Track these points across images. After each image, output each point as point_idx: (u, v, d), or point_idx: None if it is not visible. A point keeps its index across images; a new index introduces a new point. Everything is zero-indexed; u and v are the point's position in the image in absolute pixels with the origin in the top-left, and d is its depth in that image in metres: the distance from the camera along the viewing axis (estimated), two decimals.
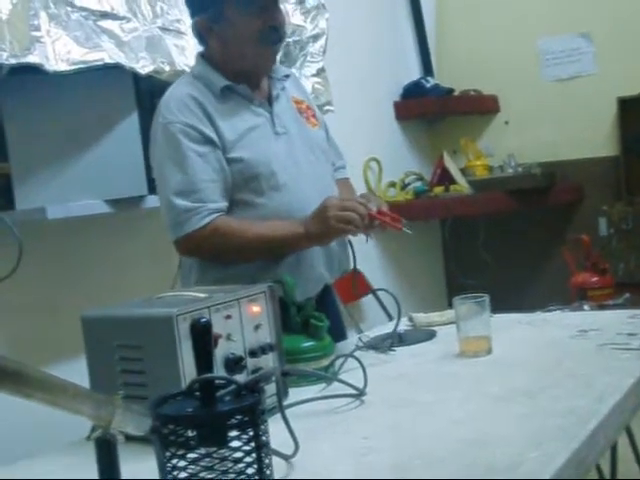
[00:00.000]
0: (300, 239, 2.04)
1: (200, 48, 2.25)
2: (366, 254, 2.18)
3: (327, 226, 1.97)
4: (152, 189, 2.67)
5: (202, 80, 2.12)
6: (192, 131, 2.03)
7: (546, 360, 1.73)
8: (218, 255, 2.08)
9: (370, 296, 2.75)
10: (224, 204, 2.05)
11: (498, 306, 2.10)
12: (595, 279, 3.10)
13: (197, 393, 1.07)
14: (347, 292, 2.44)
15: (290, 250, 2.08)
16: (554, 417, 1.33)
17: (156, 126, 2.09)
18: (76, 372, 1.46)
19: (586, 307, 2.65)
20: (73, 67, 2.42)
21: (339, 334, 2.26)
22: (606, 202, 4.47)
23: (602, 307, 2.67)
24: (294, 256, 2.10)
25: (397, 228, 2.01)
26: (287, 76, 2.27)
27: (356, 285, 2.24)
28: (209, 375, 1.06)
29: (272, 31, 2.09)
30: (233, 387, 1.08)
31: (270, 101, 2.18)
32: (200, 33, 2.15)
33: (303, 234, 2.02)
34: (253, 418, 1.04)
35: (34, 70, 2.32)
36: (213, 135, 2.04)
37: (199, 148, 2.03)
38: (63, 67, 2.39)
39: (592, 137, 4.60)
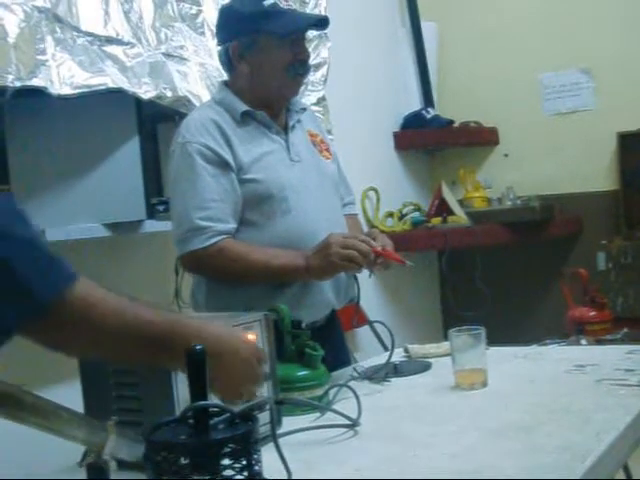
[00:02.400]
0: (300, 272, 2.06)
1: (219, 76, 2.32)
2: (363, 283, 2.19)
3: (328, 262, 2.00)
4: (151, 214, 2.69)
5: (223, 105, 2.19)
6: (208, 152, 2.08)
7: (542, 395, 1.72)
8: (219, 275, 2.13)
9: (365, 326, 2.74)
10: (232, 225, 2.09)
11: (494, 339, 2.09)
12: (593, 313, 3.10)
13: (191, 421, 1.07)
14: (344, 322, 2.44)
15: (289, 280, 2.11)
16: (549, 453, 1.32)
17: (174, 146, 2.15)
18: (71, 396, 1.46)
19: (583, 342, 2.65)
20: (77, 91, 2.43)
21: (344, 360, 2.29)
22: (605, 236, 4.47)
23: (600, 342, 2.66)
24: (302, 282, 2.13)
25: (400, 262, 2.02)
26: (304, 109, 2.33)
27: (357, 316, 2.25)
28: (203, 403, 1.06)
29: (300, 64, 2.18)
30: (227, 415, 1.07)
31: (286, 130, 2.24)
32: (230, 59, 2.20)
33: (304, 267, 2.05)
34: (246, 447, 1.04)
35: (38, 93, 2.34)
36: (229, 157, 2.10)
37: (213, 169, 2.08)
38: (67, 91, 2.40)
39: (591, 171, 4.62)
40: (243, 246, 2.09)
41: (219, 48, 2.26)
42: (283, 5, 2.16)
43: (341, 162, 2.45)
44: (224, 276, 2.12)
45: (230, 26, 2.20)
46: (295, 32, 2.16)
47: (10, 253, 1.05)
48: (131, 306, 1.22)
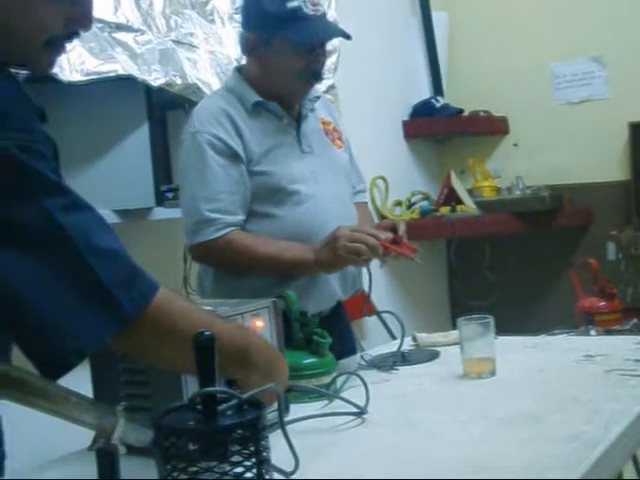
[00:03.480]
0: (308, 265, 2.07)
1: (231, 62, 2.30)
2: (371, 272, 2.19)
3: (335, 256, 2.00)
4: (160, 201, 2.69)
5: (235, 94, 2.17)
6: (218, 142, 2.08)
7: (551, 384, 1.72)
8: (228, 267, 2.14)
9: (374, 316, 2.74)
10: (241, 217, 2.10)
11: (502, 328, 2.08)
12: (602, 304, 3.09)
13: (199, 406, 1.07)
14: (351, 311, 2.44)
15: (297, 273, 2.12)
16: (558, 443, 1.31)
17: (185, 135, 2.14)
18: (80, 382, 1.46)
19: (592, 332, 2.63)
20: (87, 78, 2.43)
21: (351, 348, 2.29)
22: (615, 226, 4.46)
23: (609, 332, 2.65)
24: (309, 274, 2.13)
25: (409, 257, 2.01)
26: (317, 97, 2.31)
27: (366, 305, 2.25)
28: (211, 389, 1.06)
29: (312, 73, 2.15)
30: (235, 401, 1.07)
31: (299, 120, 2.22)
32: (247, 47, 2.19)
33: (312, 260, 2.05)
34: (254, 433, 1.04)
35: (48, 80, 2.33)
36: (239, 149, 2.09)
37: (222, 160, 2.08)
38: (77, 77, 2.40)
39: (602, 161, 4.59)
40: (251, 238, 2.09)
41: (241, 31, 2.24)
42: (308, 10, 2.09)
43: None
44: (232, 267, 2.13)
45: (250, 17, 2.18)
46: (310, 44, 2.12)
47: (98, 265, 1.06)
48: (212, 318, 1.26)
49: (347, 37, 2.18)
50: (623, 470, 2.26)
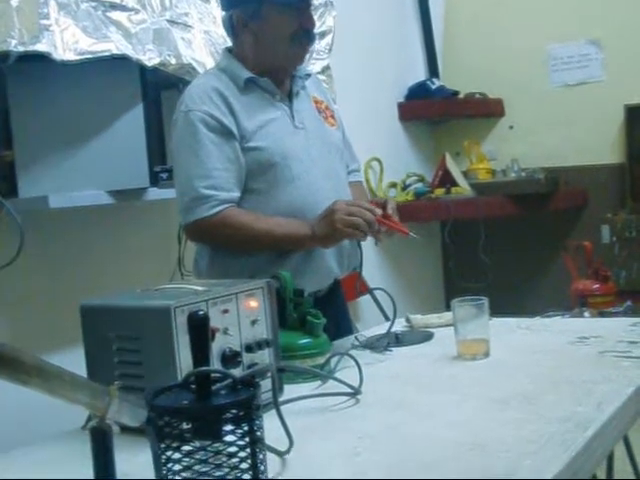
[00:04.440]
0: (305, 239, 2.06)
1: (226, 43, 2.27)
2: (365, 254, 2.18)
3: (333, 229, 1.99)
4: (154, 181, 2.68)
5: (227, 73, 2.17)
6: (211, 120, 2.07)
7: (545, 366, 1.72)
8: (224, 244, 2.13)
9: (367, 296, 2.75)
10: (236, 194, 2.09)
11: (497, 310, 2.09)
12: (596, 286, 3.10)
13: (193, 386, 1.07)
14: (346, 291, 2.44)
15: (294, 248, 2.11)
16: (551, 423, 1.32)
17: (177, 114, 2.13)
18: (75, 361, 1.46)
19: (586, 314, 2.64)
20: (80, 57, 2.42)
21: (347, 329, 2.30)
22: (610, 209, 4.47)
23: (603, 314, 2.66)
24: (306, 249, 2.13)
25: (404, 232, 2.01)
26: (308, 75, 2.30)
27: (359, 284, 2.25)
28: (205, 368, 1.06)
29: (305, 33, 2.15)
30: (229, 381, 1.07)
31: (290, 97, 2.22)
32: (233, 27, 2.17)
33: (308, 234, 2.05)
34: (248, 413, 1.04)
35: (42, 58, 2.32)
36: (232, 126, 2.08)
37: (216, 137, 2.07)
38: (71, 56, 2.39)
39: (598, 144, 4.60)
40: (247, 215, 2.08)
41: (223, 14, 2.23)
42: None
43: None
44: (228, 245, 2.12)
45: None
46: (299, 2, 2.13)
47: None
48: None
49: None
50: (614, 449, 2.27)
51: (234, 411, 1.04)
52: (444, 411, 1.45)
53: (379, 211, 1.99)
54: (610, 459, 2.60)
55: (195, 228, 2.09)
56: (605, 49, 4.59)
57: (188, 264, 2.67)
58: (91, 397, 1.10)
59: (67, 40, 2.38)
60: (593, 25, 4.59)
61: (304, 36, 2.15)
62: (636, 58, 4.47)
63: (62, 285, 2.64)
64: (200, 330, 1.06)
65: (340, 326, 2.25)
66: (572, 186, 4.63)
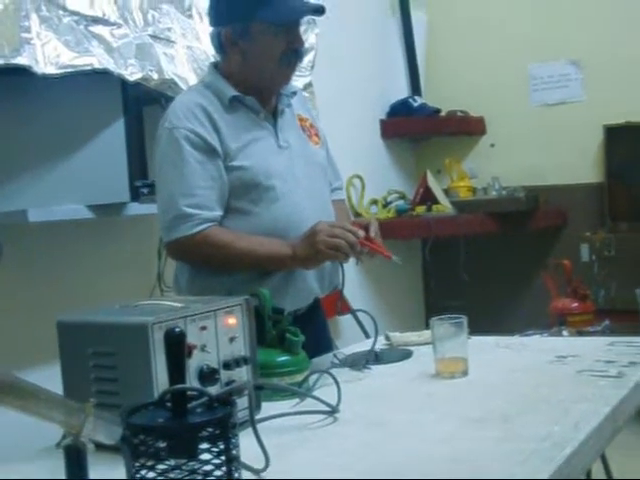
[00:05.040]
0: (286, 259, 2.06)
1: (211, 59, 2.29)
2: (346, 272, 2.19)
3: (315, 250, 1.99)
4: (135, 196, 2.67)
5: (212, 89, 2.15)
6: (195, 138, 2.06)
7: (523, 384, 1.72)
8: (205, 263, 2.12)
9: (348, 314, 2.74)
10: (218, 213, 2.08)
11: (477, 328, 2.09)
12: (575, 305, 3.11)
13: (169, 404, 1.06)
14: (326, 309, 2.44)
15: (275, 268, 2.10)
16: (529, 442, 1.32)
17: (161, 131, 2.12)
18: (53, 377, 1.45)
19: (565, 333, 2.66)
20: (62, 71, 2.41)
21: (326, 347, 2.29)
22: (589, 228, 4.50)
23: (581, 333, 2.67)
24: (287, 270, 2.12)
25: (386, 256, 2.02)
26: (294, 93, 2.29)
27: (340, 303, 2.24)
28: (181, 386, 1.05)
29: (294, 53, 2.14)
30: (205, 399, 1.06)
31: (275, 116, 2.21)
32: (221, 44, 2.16)
33: (290, 255, 2.04)
34: (224, 431, 1.03)
35: (22, 72, 2.31)
36: (216, 144, 2.07)
37: (199, 155, 2.06)
38: (52, 70, 2.38)
39: (577, 163, 4.63)
40: (229, 234, 2.08)
41: (211, 29, 2.22)
42: None
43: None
44: (209, 264, 2.11)
45: (223, 10, 2.15)
46: (290, 21, 2.12)
47: None
48: None
49: (322, 10, 2.16)
50: (592, 468, 2.28)
51: (210, 429, 1.03)
52: (421, 429, 1.45)
53: (362, 233, 1.99)
54: (588, 475, 2.60)
55: (177, 246, 2.08)
56: (585, 69, 4.63)
57: (168, 279, 2.66)
58: (66, 415, 1.09)
59: (48, 54, 2.37)
60: (573, 45, 4.64)
61: (292, 55, 2.15)
62: (615, 79, 4.51)
63: (41, 300, 2.62)
64: (176, 347, 1.05)
65: (320, 344, 2.24)
66: (552, 205, 4.65)
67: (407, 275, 4.87)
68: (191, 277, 2.16)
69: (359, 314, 2.12)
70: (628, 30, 4.49)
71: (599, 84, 4.57)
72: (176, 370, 1.06)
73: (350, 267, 2.18)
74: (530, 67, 4.76)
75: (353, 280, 4.07)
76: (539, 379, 1.76)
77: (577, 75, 4.66)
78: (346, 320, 3.27)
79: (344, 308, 2.29)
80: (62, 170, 2.64)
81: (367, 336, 2.16)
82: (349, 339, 3.07)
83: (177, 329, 1.06)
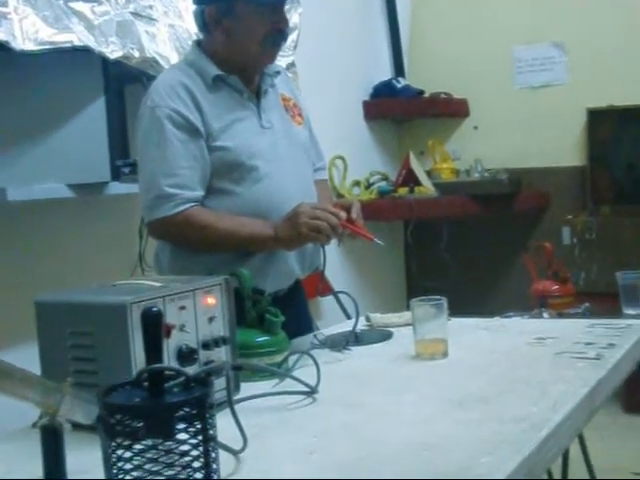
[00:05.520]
0: (268, 241, 2.05)
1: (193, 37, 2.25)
2: (328, 253, 2.18)
3: (297, 232, 1.98)
4: (116, 175, 2.65)
5: (195, 68, 2.14)
6: (178, 117, 2.04)
7: (502, 366, 1.73)
8: (186, 243, 2.11)
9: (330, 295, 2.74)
10: (200, 193, 2.07)
11: (458, 310, 2.10)
12: (556, 287, 3.11)
13: (145, 383, 1.06)
14: (307, 289, 2.44)
15: (256, 249, 2.10)
16: (507, 423, 1.32)
17: (143, 109, 2.10)
18: (30, 357, 1.44)
19: (545, 315, 2.66)
20: (40, 47, 2.38)
21: (307, 327, 2.30)
22: (571, 211, 4.51)
23: (562, 316, 2.68)
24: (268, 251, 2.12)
25: (368, 238, 2.02)
26: (278, 73, 2.28)
27: (322, 284, 2.24)
28: (158, 366, 1.04)
29: (278, 33, 2.12)
30: (182, 379, 1.06)
31: (259, 95, 2.19)
32: (205, 22, 2.14)
33: (272, 236, 2.03)
34: (201, 411, 1.03)
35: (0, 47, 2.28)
36: (198, 123, 2.06)
37: (182, 135, 2.04)
38: (30, 47, 2.35)
39: (560, 146, 4.64)
40: (210, 214, 2.07)
41: (195, 7, 2.20)
42: None
43: None
44: (190, 244, 2.10)
45: None
46: (275, 1, 2.10)
47: None
48: None
49: None
50: (570, 448, 2.30)
51: (186, 409, 1.03)
52: (400, 411, 1.45)
53: (343, 214, 1.99)
54: (565, 458, 2.63)
55: (158, 226, 2.07)
56: (569, 52, 4.63)
57: (149, 259, 2.65)
58: (42, 395, 1.08)
59: (27, 29, 2.34)
60: (558, 28, 4.63)
61: (277, 36, 2.13)
62: (599, 62, 4.52)
63: (20, 280, 2.61)
64: (153, 327, 1.05)
65: (300, 324, 2.24)
66: (535, 187, 4.66)
67: (389, 256, 4.87)
68: (172, 257, 2.15)
69: (340, 295, 2.12)
70: (612, 14, 4.49)
71: (583, 67, 4.57)
72: (153, 350, 1.05)
73: (332, 248, 2.18)
74: (515, 49, 4.75)
75: (335, 261, 4.07)
76: (518, 361, 1.77)
77: (561, 58, 4.66)
78: (327, 301, 3.27)
79: (325, 289, 2.29)
80: (42, 148, 2.62)
81: (348, 317, 2.16)
82: (330, 320, 3.08)
83: (154, 309, 1.05)
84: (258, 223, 2.07)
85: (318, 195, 2.27)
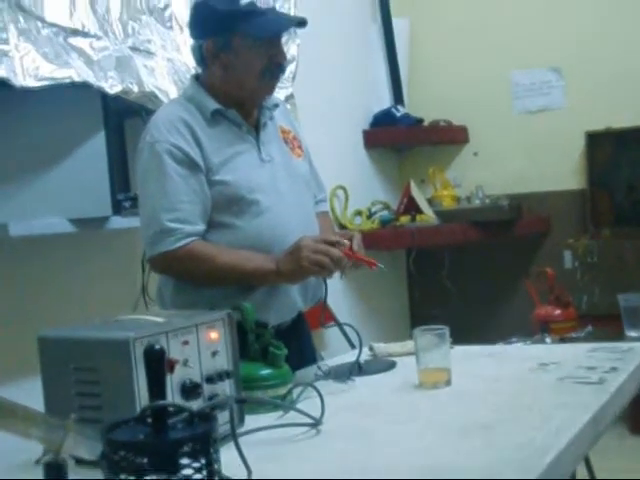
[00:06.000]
0: (270, 275, 2.04)
1: (192, 71, 2.28)
2: (330, 282, 2.18)
3: (299, 266, 1.98)
4: (117, 210, 2.66)
5: (193, 102, 2.15)
6: (177, 152, 2.05)
7: (505, 393, 1.73)
8: (189, 277, 2.11)
9: (333, 325, 2.74)
10: (201, 227, 2.07)
11: (462, 337, 2.10)
12: (558, 312, 3.12)
13: (149, 419, 1.06)
14: (311, 320, 2.44)
15: (258, 283, 2.09)
16: (509, 451, 1.32)
17: (143, 144, 2.11)
18: (34, 392, 1.44)
19: (548, 340, 2.67)
20: (41, 83, 2.40)
21: (311, 359, 2.29)
22: (572, 235, 4.52)
23: (564, 340, 2.69)
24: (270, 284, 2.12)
25: (371, 264, 2.02)
26: (276, 105, 2.29)
27: (324, 315, 2.24)
28: (161, 402, 1.05)
29: (276, 66, 2.14)
30: (185, 415, 1.06)
31: (258, 128, 2.20)
32: (203, 56, 2.15)
33: (273, 270, 2.03)
34: (205, 446, 1.03)
35: (1, 84, 2.30)
36: (198, 158, 2.06)
37: (182, 170, 2.05)
38: (31, 83, 2.37)
39: (560, 170, 4.65)
40: (212, 248, 2.07)
41: (192, 42, 2.22)
42: (261, 4, 2.11)
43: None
44: (193, 278, 2.10)
45: (205, 23, 2.14)
46: (272, 35, 2.12)
47: None
48: None
49: (304, 23, 2.16)
50: (576, 471, 2.28)
51: (190, 445, 1.03)
52: (404, 440, 1.45)
53: (347, 242, 1.99)
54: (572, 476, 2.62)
55: (160, 261, 2.07)
56: (566, 77, 4.66)
57: (152, 293, 2.65)
58: (46, 431, 1.09)
59: (27, 66, 2.35)
60: (554, 53, 4.66)
61: (275, 69, 2.14)
62: (595, 85, 4.54)
63: (22, 315, 2.60)
64: (156, 364, 1.05)
65: (304, 356, 2.24)
66: (535, 212, 4.67)
67: (392, 285, 4.87)
68: (175, 291, 2.15)
69: (343, 323, 2.12)
70: (607, 37, 4.53)
71: (580, 91, 4.60)
72: (156, 386, 1.06)
73: (334, 279, 2.18)
74: (512, 74, 4.78)
75: (338, 290, 4.08)
76: (521, 387, 1.77)
77: (558, 82, 4.69)
78: (331, 331, 3.27)
79: (328, 319, 2.29)
80: (43, 183, 2.63)
81: (353, 347, 2.16)
82: (335, 350, 3.08)
83: (157, 346, 1.06)
84: (260, 257, 2.06)
85: (320, 227, 2.28)
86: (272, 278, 2.06)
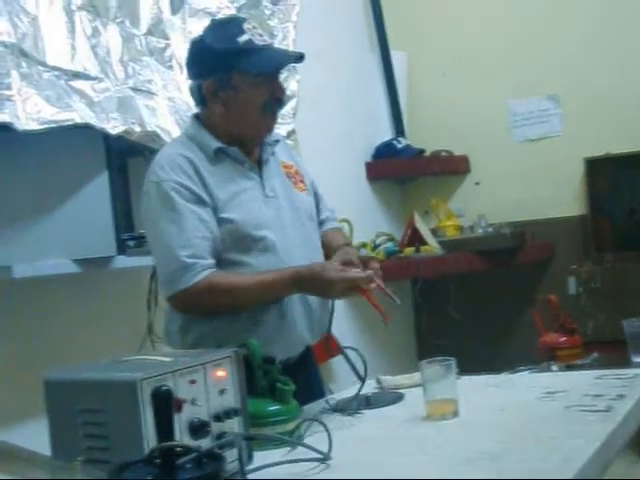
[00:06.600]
0: (288, 285, 2.07)
1: (193, 110, 2.33)
2: (336, 313, 2.19)
3: (329, 295, 2.08)
4: (122, 249, 2.67)
5: (195, 141, 2.16)
6: (184, 190, 2.07)
7: (512, 423, 1.72)
8: (213, 308, 2.10)
9: (340, 356, 2.74)
10: (213, 262, 2.08)
11: (468, 367, 2.10)
12: (563, 339, 3.11)
13: (157, 461, 1.06)
14: (318, 353, 2.44)
15: (279, 293, 2.11)
16: None
17: (148, 185, 2.12)
18: (39, 434, 1.44)
19: (554, 367, 2.66)
20: (43, 126, 2.42)
21: (319, 393, 2.30)
22: (575, 261, 4.51)
23: (570, 367, 2.67)
24: (277, 317, 2.13)
25: (393, 298, 2.10)
26: (277, 141, 2.30)
27: (329, 346, 2.25)
28: (169, 443, 1.05)
29: (276, 102, 2.16)
30: (193, 455, 1.07)
31: (260, 165, 2.21)
32: (203, 96, 2.17)
33: (291, 281, 2.06)
34: None
35: (4, 128, 2.32)
36: (204, 195, 2.08)
37: (192, 206, 2.07)
38: (33, 126, 2.39)
39: (560, 196, 4.66)
40: (231, 275, 2.09)
41: (190, 82, 2.24)
42: (258, 41, 2.13)
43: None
44: (218, 308, 2.10)
45: (203, 63, 2.16)
46: (271, 71, 2.14)
47: None
48: None
49: (302, 58, 2.19)
50: None
51: None
52: (413, 472, 1.44)
53: (372, 273, 2.05)
54: None
55: (182, 298, 2.07)
56: (563, 104, 4.68)
57: (158, 331, 2.65)
58: (51, 475, 1.09)
59: (30, 110, 2.37)
60: (551, 81, 4.69)
61: (275, 105, 2.17)
62: (592, 112, 4.57)
63: (27, 356, 2.60)
64: (164, 405, 1.06)
65: (312, 390, 2.24)
66: (538, 239, 4.68)
67: (398, 315, 4.86)
68: (182, 328, 2.15)
69: (350, 354, 2.12)
70: (603, 63, 4.56)
71: (578, 118, 4.62)
72: (164, 427, 1.06)
73: (340, 309, 2.19)
74: (510, 103, 4.81)
75: (344, 322, 4.08)
76: (528, 416, 1.76)
77: (556, 110, 4.72)
78: (339, 363, 3.26)
79: (333, 347, 2.30)
80: (47, 225, 2.64)
81: (360, 378, 2.16)
82: (343, 382, 3.07)
83: (164, 387, 1.06)
84: (276, 272, 2.08)
85: (335, 243, 2.30)
86: (291, 289, 2.09)
